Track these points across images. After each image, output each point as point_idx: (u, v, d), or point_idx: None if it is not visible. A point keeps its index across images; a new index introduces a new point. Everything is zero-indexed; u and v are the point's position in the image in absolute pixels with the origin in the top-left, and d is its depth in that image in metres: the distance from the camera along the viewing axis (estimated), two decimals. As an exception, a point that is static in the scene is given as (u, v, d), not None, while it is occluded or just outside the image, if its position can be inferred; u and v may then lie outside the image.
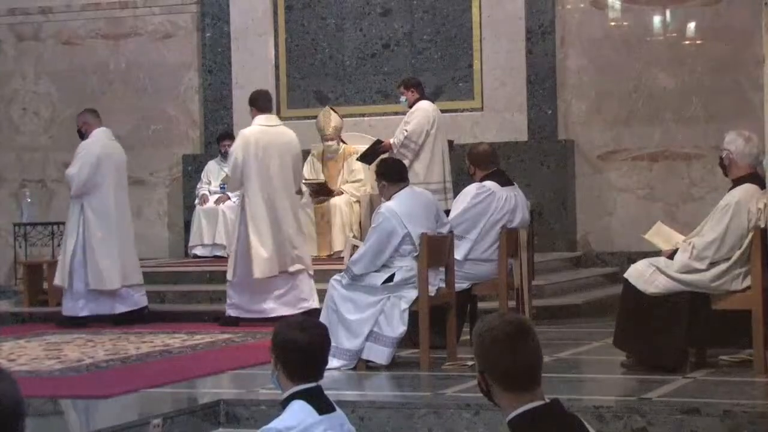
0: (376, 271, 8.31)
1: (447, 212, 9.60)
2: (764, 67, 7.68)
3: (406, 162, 10.88)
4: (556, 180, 13.09)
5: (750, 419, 6.22)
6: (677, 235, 8.07)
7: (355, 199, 12.85)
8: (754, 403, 6.52)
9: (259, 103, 11.05)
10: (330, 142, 12.98)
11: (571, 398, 6.60)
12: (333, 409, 4.35)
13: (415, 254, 8.25)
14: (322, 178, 13.03)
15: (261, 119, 10.98)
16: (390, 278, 8.26)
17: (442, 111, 12.61)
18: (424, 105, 12.09)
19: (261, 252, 10.66)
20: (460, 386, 7.34)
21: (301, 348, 4.29)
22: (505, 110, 13.38)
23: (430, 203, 8.63)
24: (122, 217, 11.62)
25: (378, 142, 12.36)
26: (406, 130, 11.99)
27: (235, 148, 10.93)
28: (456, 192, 10.74)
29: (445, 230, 8.55)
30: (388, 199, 8.49)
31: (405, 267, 8.26)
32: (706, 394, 6.87)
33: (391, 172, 8.58)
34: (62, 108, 14.56)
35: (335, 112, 13.08)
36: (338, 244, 12.54)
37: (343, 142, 13.18)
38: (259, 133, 10.89)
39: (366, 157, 12.50)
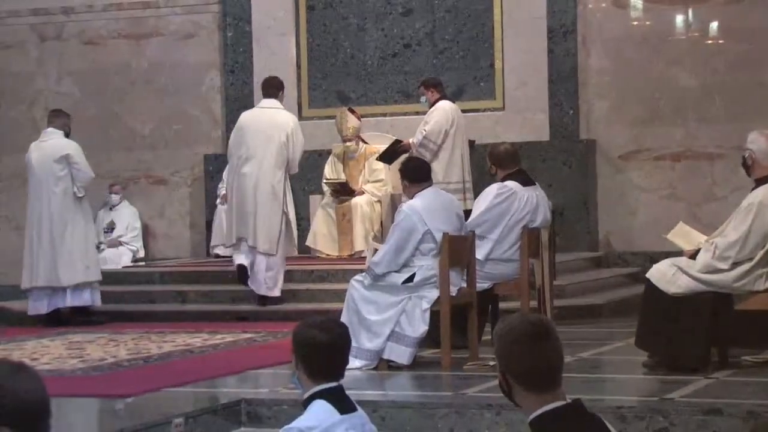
0: (396, 272, 8.32)
1: (467, 212, 9.61)
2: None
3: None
4: (577, 180, 13.06)
5: (773, 420, 6.20)
6: (699, 235, 8.04)
7: (376, 199, 12.85)
8: (777, 404, 6.50)
9: (263, 89, 11.81)
10: (349, 143, 12.99)
11: (592, 398, 6.58)
12: (354, 409, 4.36)
13: (435, 252, 8.25)
14: (343, 177, 13.04)
15: (260, 103, 11.74)
16: (411, 278, 8.26)
17: (464, 111, 12.60)
18: (444, 105, 12.07)
19: (224, 224, 11.74)
20: (481, 386, 7.34)
21: (321, 347, 4.30)
22: (526, 110, 13.36)
23: (452, 205, 8.65)
24: (41, 218, 11.55)
25: (397, 142, 12.36)
26: (425, 130, 11.99)
27: None
28: (476, 192, 10.74)
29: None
30: (411, 198, 8.51)
31: (425, 266, 8.26)
32: (728, 395, 6.85)
33: (415, 172, 8.60)
34: (84, 108, 14.61)
35: (353, 113, 13.08)
36: (359, 243, 12.55)
37: (364, 142, 13.19)
38: (249, 115, 11.63)
39: (385, 157, 12.50)
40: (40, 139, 11.92)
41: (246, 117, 11.58)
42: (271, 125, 11.31)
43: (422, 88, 12.32)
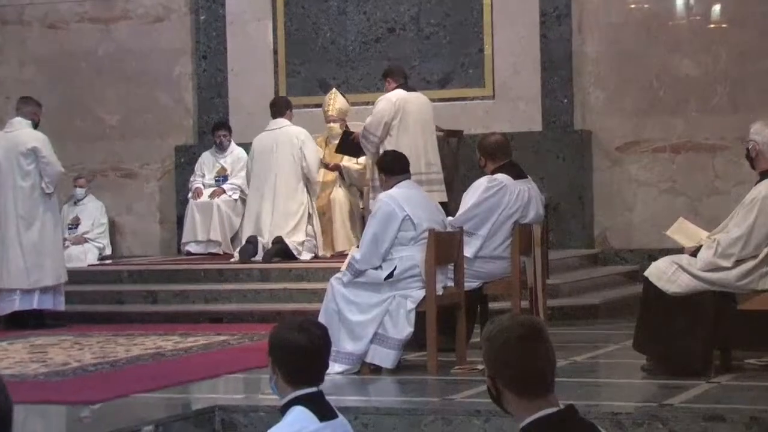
0: (376, 268, 8.33)
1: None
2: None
3: (369, 154, 11.88)
4: (572, 173, 13.08)
5: (778, 427, 6.23)
6: (701, 232, 8.07)
7: (360, 166, 12.70)
8: (782, 410, 6.52)
9: (271, 110, 12.71)
10: (332, 124, 12.91)
11: (587, 404, 6.60)
12: (335, 416, 4.36)
13: (415, 238, 8.26)
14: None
15: (269, 125, 12.59)
16: (393, 273, 8.27)
17: (451, 99, 12.60)
18: (390, 95, 12.01)
19: (248, 229, 12.50)
20: (469, 391, 7.35)
21: (300, 350, 4.30)
22: (518, 99, 13.37)
23: (431, 200, 8.77)
24: (6, 214, 11.49)
25: (348, 133, 12.40)
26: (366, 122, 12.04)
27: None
28: (464, 186, 10.73)
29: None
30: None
31: (405, 256, 8.27)
32: (731, 400, 6.87)
33: (392, 164, 8.72)
34: (49, 97, 14.53)
35: (343, 96, 13.05)
36: (341, 242, 12.53)
37: (348, 131, 13.11)
38: (259, 139, 12.56)
39: (341, 149, 12.54)
40: (5, 129, 11.81)
41: (257, 142, 12.58)
42: (280, 144, 12.34)
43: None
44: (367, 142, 11.89)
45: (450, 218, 9.04)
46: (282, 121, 12.50)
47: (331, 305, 8.34)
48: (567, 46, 13.30)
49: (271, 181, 12.36)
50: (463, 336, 8.51)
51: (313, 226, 12.44)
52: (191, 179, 14.05)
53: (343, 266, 8.47)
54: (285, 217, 12.28)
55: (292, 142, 12.32)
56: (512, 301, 9.08)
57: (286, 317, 4.56)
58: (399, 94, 11.97)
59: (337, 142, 12.68)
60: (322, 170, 12.93)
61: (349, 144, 12.26)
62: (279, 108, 12.63)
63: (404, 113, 11.86)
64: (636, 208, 13.19)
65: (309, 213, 12.42)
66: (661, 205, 12.91)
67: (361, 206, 12.76)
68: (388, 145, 11.59)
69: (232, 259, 12.51)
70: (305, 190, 12.44)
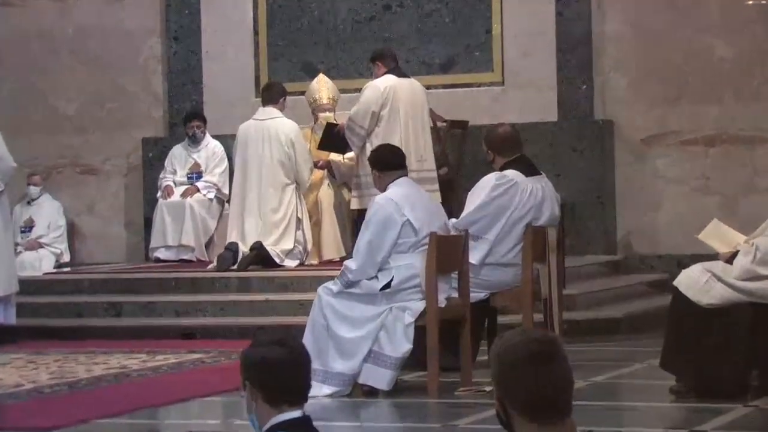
0: (370, 278, 8.33)
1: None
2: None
3: (354, 148, 11.90)
4: (591, 169, 13.09)
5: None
6: (737, 235, 8.08)
7: (350, 161, 12.70)
8: (830, 437, 6.53)
9: (262, 95, 12.95)
10: (328, 113, 12.92)
11: (609, 431, 6.60)
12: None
13: (415, 245, 8.25)
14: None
15: (257, 113, 12.68)
16: (390, 283, 8.26)
17: (455, 86, 12.59)
18: (376, 82, 12.04)
19: (232, 234, 12.46)
20: (475, 416, 7.37)
21: (282, 364, 4.29)
22: (530, 85, 13.38)
23: (431, 199, 8.75)
24: None
25: (331, 126, 12.40)
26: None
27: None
28: (470, 184, 10.74)
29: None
30: (384, 190, 8.54)
31: (404, 265, 8.27)
32: (771, 426, 6.89)
33: (386, 159, 8.72)
34: (-2, 82, 14.58)
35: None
36: (329, 249, 12.53)
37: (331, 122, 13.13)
38: (245, 128, 12.62)
39: (325, 145, 12.53)
40: None
41: (242, 131, 12.63)
42: (267, 138, 12.42)
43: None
44: (352, 135, 11.89)
45: (453, 220, 9.04)
46: (272, 111, 12.52)
47: (318, 319, 8.33)
48: (585, 26, 13.30)
49: (255, 179, 12.38)
50: (469, 354, 8.52)
51: (303, 232, 12.42)
52: (161, 176, 14.04)
53: None
54: (271, 222, 12.25)
55: (281, 138, 12.36)
56: (524, 314, 9.08)
57: (261, 334, 4.54)
58: (388, 80, 11.98)
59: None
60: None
61: (334, 138, 12.25)
62: (272, 95, 12.67)
63: (394, 102, 11.88)
64: (663, 209, 13.20)
65: (298, 217, 12.40)
66: (693, 205, 12.92)
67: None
68: (375, 138, 11.60)
69: (209, 267, 12.51)
70: (295, 191, 12.42)
